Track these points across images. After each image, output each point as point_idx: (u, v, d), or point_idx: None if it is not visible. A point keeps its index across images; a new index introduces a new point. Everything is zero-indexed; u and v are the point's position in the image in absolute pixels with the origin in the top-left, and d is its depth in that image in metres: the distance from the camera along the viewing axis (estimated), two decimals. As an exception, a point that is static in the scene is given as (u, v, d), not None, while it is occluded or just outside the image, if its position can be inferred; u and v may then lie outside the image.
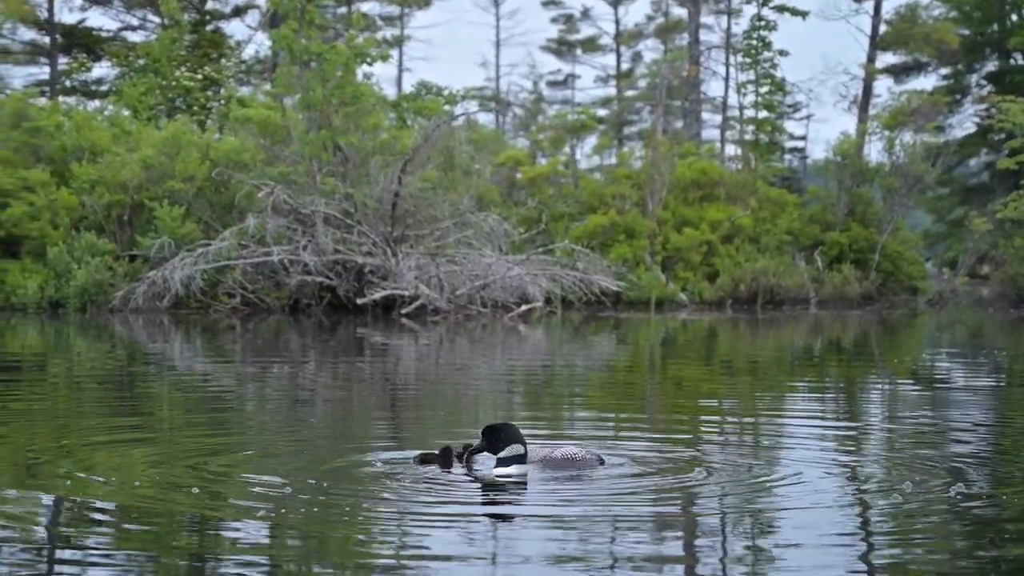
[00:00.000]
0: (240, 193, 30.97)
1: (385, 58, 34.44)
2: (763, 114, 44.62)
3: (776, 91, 45.01)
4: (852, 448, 8.53)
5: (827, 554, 5.30)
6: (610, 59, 60.45)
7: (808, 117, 50.27)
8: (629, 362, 18.03)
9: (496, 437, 7.05)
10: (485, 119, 54.28)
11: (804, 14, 44.56)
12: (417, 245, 30.92)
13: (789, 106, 48.51)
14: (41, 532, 5.84)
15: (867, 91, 46.38)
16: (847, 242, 38.54)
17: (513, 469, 6.98)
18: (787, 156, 49.52)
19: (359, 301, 29.78)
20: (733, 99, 46.25)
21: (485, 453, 7.14)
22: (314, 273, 30.19)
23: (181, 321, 26.95)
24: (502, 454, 7.01)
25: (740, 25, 49.39)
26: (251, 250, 30.20)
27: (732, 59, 46.68)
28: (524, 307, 30.12)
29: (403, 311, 29.01)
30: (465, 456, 7.32)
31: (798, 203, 40.10)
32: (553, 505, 6.38)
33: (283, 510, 6.25)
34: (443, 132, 34.13)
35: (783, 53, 44.74)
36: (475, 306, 29.88)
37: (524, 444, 7.06)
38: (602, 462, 7.29)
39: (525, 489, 6.81)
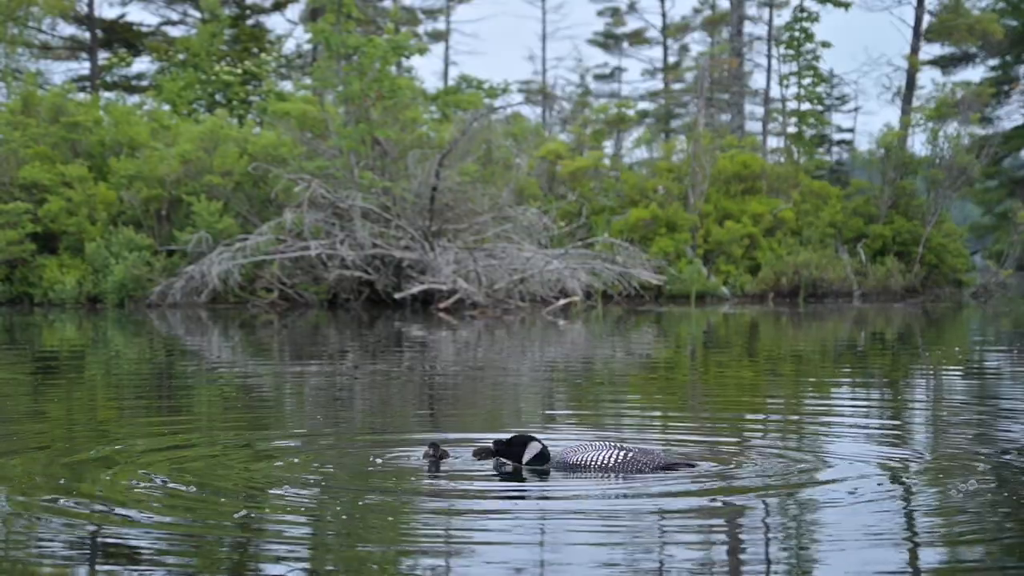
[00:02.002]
0: (278, 187, 30.90)
1: (423, 51, 34.35)
2: (806, 106, 44.20)
3: (819, 83, 44.58)
4: (899, 443, 8.32)
5: (874, 551, 5.11)
6: (657, 52, 60.20)
7: (856, 109, 49.79)
8: (671, 356, 17.77)
9: (512, 451, 7.20)
10: (531, 113, 54.18)
11: (847, 5, 44.09)
12: (455, 239, 30.74)
13: (837, 98, 48.02)
14: (76, 531, 5.66)
15: (911, 83, 45.81)
16: (891, 235, 38.10)
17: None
18: (835, 148, 49.07)
19: (397, 295, 29.66)
20: (776, 91, 45.88)
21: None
22: (352, 267, 30.08)
23: (219, 316, 26.90)
24: (526, 459, 7.15)
25: (782, 17, 49.05)
26: (289, 244, 30.14)
27: (775, 51, 46.29)
28: (563, 301, 29.89)
29: (440, 305, 28.84)
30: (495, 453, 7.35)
31: (841, 195, 39.67)
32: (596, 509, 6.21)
33: (323, 506, 6.15)
34: (481, 125, 33.92)
35: (826, 45, 44.32)
36: (513, 300, 29.67)
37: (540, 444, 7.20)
38: (691, 466, 7.08)
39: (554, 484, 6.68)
